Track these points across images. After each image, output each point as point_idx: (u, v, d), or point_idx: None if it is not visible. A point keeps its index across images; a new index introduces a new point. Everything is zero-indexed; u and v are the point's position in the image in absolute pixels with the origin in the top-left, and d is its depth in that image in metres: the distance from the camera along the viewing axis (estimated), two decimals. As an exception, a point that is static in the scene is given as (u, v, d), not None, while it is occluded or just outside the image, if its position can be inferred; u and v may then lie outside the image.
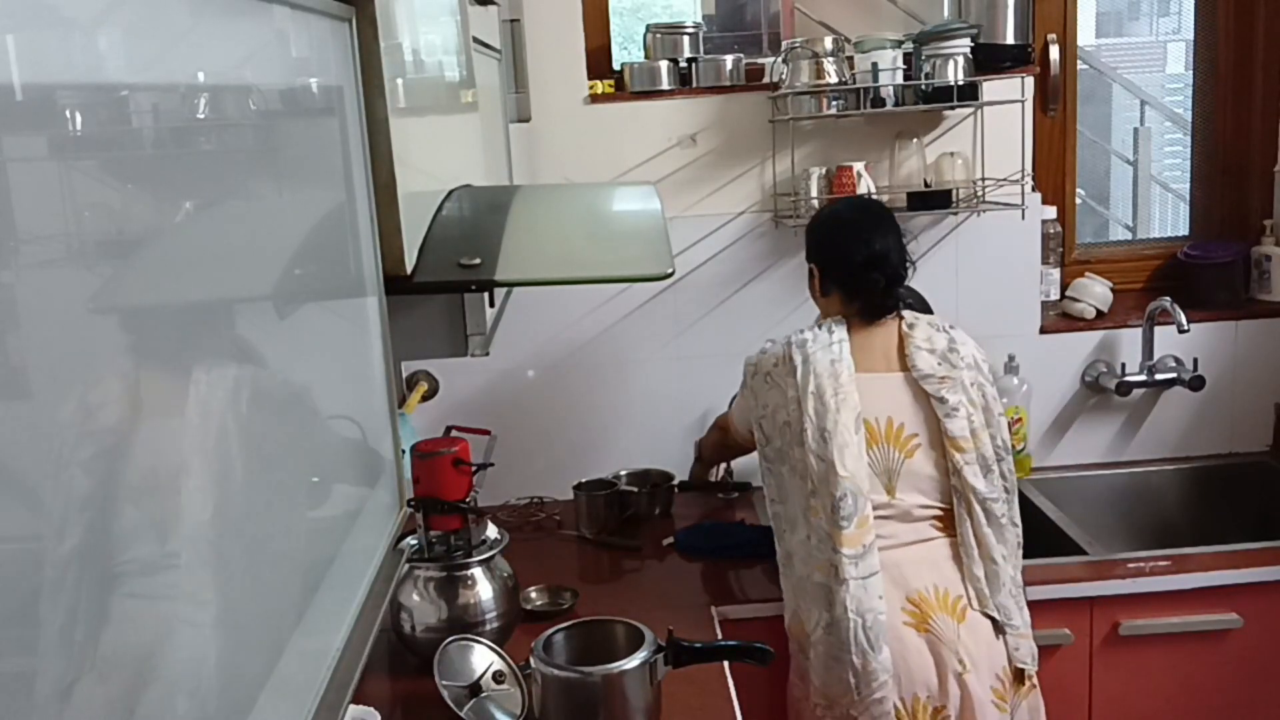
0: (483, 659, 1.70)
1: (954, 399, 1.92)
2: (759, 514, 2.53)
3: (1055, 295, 2.82)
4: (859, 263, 1.99)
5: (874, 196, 2.59)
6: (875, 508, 1.89)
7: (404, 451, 1.61)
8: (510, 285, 1.75)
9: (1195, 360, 2.76)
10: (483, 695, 1.65)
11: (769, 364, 2.03)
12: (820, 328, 2.01)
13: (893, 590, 1.87)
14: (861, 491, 1.87)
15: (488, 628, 1.83)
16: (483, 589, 1.87)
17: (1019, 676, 1.92)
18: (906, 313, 2.04)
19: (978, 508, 1.90)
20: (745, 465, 2.58)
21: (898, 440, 1.93)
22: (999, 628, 1.90)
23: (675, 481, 2.64)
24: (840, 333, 1.98)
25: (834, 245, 2.05)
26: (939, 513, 1.93)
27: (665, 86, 2.65)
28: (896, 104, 2.51)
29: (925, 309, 2.70)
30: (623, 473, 2.65)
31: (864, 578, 1.85)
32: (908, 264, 2.03)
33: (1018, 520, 1.98)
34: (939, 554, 1.92)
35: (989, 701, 1.85)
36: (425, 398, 2.62)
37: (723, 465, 2.64)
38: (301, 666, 0.95)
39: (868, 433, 1.92)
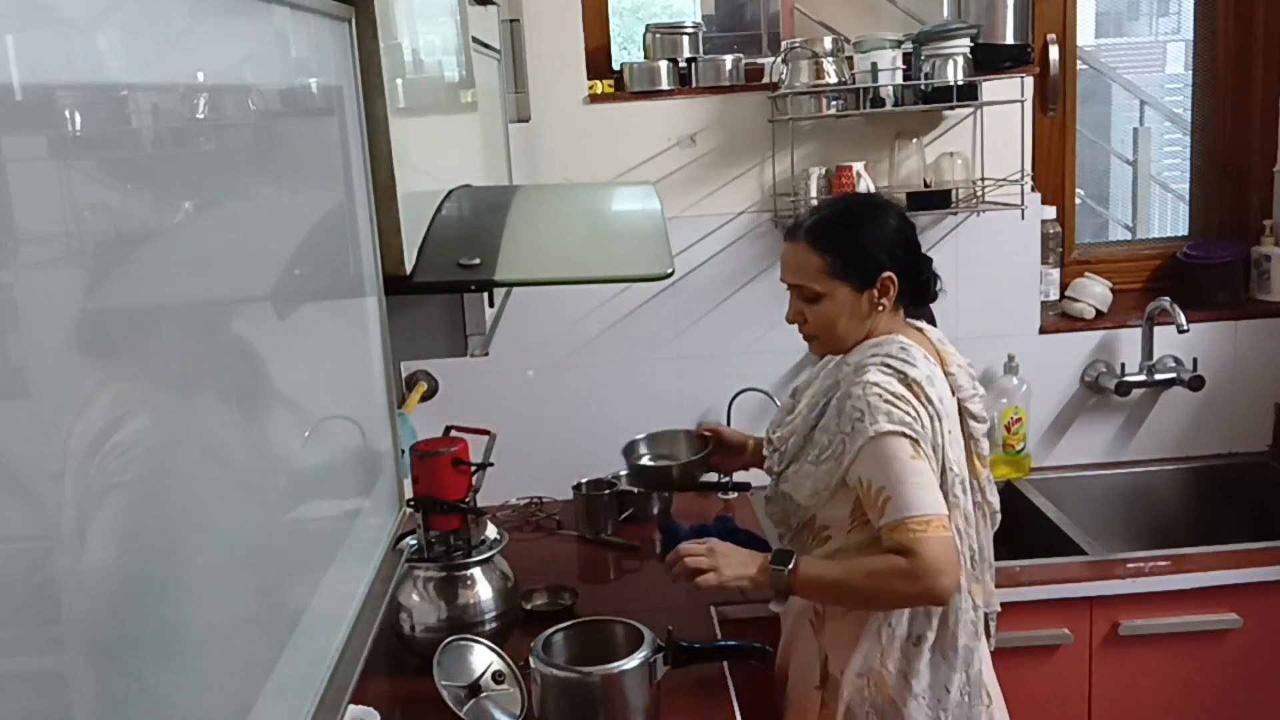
0: (482, 659, 1.70)
1: (985, 414, 1.81)
2: (757, 514, 2.53)
3: (1055, 295, 2.82)
4: (926, 261, 1.81)
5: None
6: None
7: (403, 451, 1.61)
8: (510, 285, 1.75)
9: (1195, 360, 2.76)
10: (482, 695, 1.65)
11: (925, 395, 1.67)
12: (913, 351, 1.71)
13: None
14: None
15: (487, 628, 1.83)
16: (482, 589, 1.87)
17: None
18: (923, 325, 1.85)
19: (989, 520, 1.83)
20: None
21: None
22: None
23: (675, 482, 2.63)
24: (936, 365, 1.74)
25: (913, 244, 1.80)
26: None
27: (665, 86, 2.65)
28: (896, 104, 2.51)
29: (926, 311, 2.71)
30: (623, 473, 2.65)
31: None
32: None
33: None
34: None
35: None
36: (425, 398, 2.62)
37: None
38: (301, 666, 0.95)
39: None
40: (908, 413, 1.63)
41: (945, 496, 1.66)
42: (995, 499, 1.85)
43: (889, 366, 1.68)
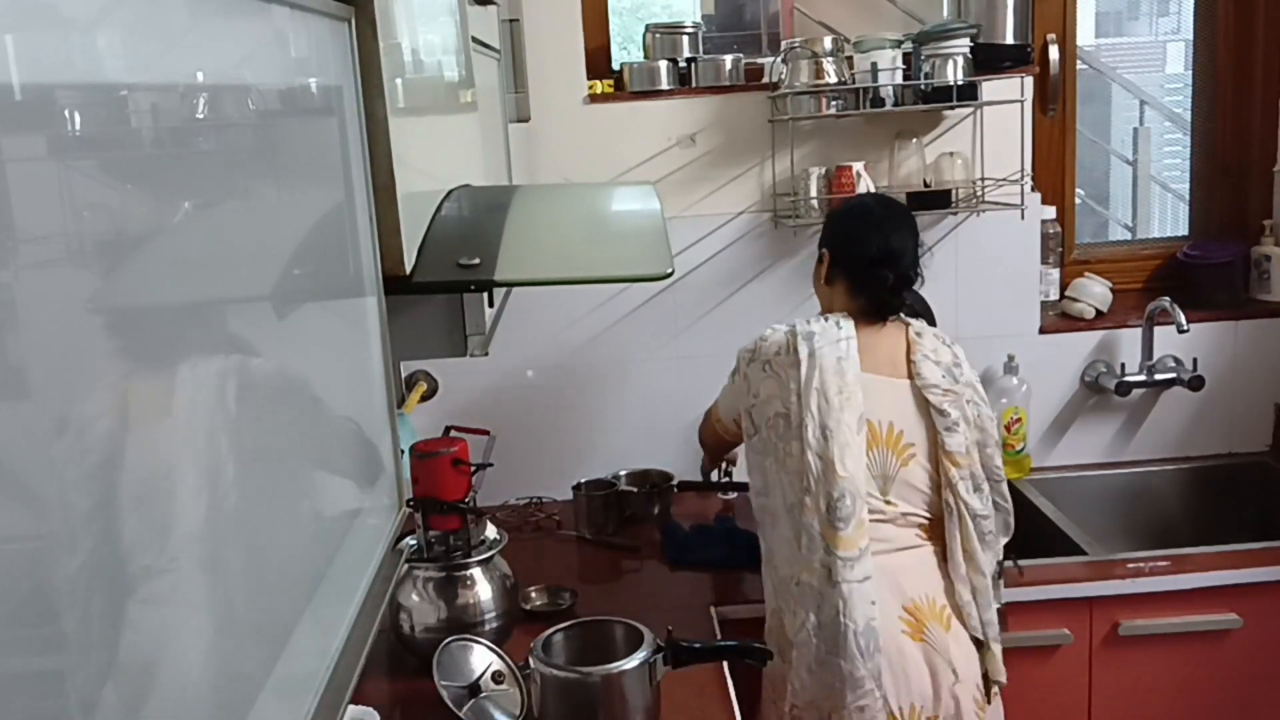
0: (482, 659, 1.70)
1: (955, 414, 1.88)
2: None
3: (1055, 295, 2.82)
4: (871, 256, 1.95)
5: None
6: (871, 511, 1.84)
7: (403, 451, 1.61)
8: (510, 285, 1.75)
9: (1195, 360, 2.76)
10: (482, 695, 1.65)
11: (769, 351, 1.94)
12: (827, 320, 1.94)
13: (890, 597, 1.83)
14: (860, 493, 1.82)
15: (487, 628, 1.83)
16: (482, 589, 1.87)
17: (988, 687, 1.90)
18: (913, 321, 1.99)
19: (969, 523, 1.86)
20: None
21: (895, 446, 1.89)
22: (978, 643, 1.88)
23: (675, 481, 2.64)
24: (848, 329, 1.92)
25: (851, 234, 2.00)
26: (925, 522, 1.90)
27: (664, 86, 2.65)
28: (896, 104, 2.51)
29: (927, 311, 2.71)
30: (622, 473, 2.65)
31: (858, 581, 1.80)
32: (919, 270, 2.00)
33: (1000, 550, 1.95)
34: (927, 562, 1.89)
35: (974, 712, 1.84)
36: (424, 398, 2.62)
37: (725, 464, 2.61)
38: (300, 666, 0.95)
39: (869, 434, 1.87)
40: (759, 343, 1.99)
41: (795, 433, 1.87)
42: (971, 498, 1.86)
43: (797, 323, 1.96)
